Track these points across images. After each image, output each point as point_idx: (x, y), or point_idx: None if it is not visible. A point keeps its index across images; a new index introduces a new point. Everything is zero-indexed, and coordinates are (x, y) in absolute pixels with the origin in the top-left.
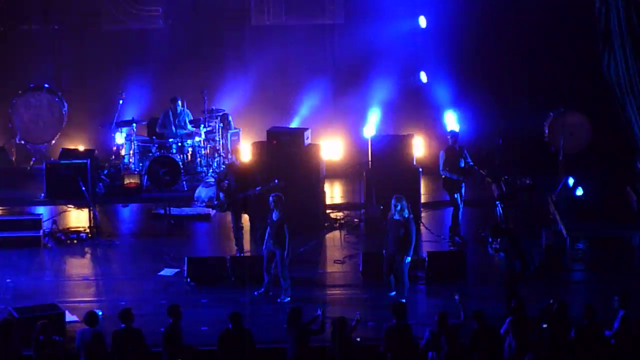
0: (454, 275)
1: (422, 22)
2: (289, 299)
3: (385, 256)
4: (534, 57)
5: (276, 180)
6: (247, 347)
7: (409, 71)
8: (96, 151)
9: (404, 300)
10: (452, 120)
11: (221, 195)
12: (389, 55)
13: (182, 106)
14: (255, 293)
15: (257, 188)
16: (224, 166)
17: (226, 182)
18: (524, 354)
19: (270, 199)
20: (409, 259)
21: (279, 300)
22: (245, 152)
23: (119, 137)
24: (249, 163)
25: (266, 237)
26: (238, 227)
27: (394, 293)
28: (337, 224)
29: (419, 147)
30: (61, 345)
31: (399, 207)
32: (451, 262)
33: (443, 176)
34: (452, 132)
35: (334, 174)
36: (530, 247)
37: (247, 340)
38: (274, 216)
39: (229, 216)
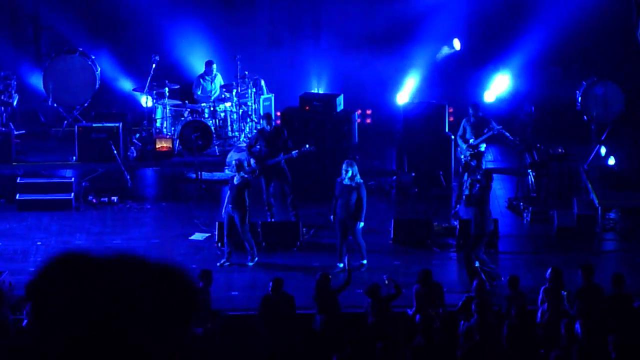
0: (485, 243)
1: None
2: (254, 262)
3: (335, 222)
4: (568, 25)
5: (307, 145)
6: (288, 313)
7: (443, 38)
8: (128, 115)
9: (365, 262)
10: (492, 88)
11: (252, 161)
12: (423, 21)
13: (217, 71)
14: (217, 264)
15: (293, 152)
16: (255, 131)
17: (257, 147)
18: (558, 323)
19: (233, 162)
20: (361, 224)
21: (249, 263)
22: (277, 117)
23: (151, 101)
24: (280, 129)
25: (225, 201)
26: (269, 193)
27: (342, 265)
28: (368, 190)
29: (452, 115)
30: None
31: (350, 173)
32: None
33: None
34: (473, 103)
35: (367, 140)
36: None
37: (288, 306)
38: (235, 180)
39: (259, 180)
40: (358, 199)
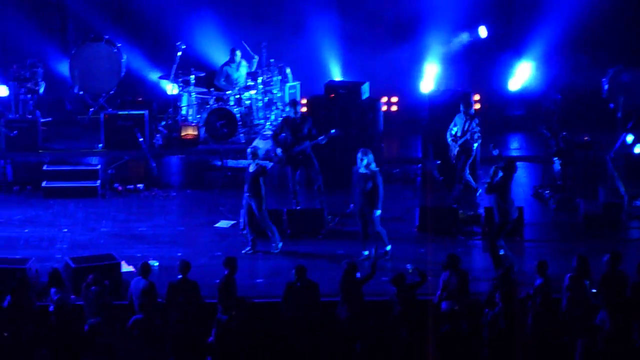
0: (510, 231)
1: None
2: (279, 248)
3: (355, 211)
4: (594, 12)
5: (333, 130)
6: (312, 301)
7: (468, 25)
8: (154, 102)
9: (388, 249)
10: (516, 76)
11: (279, 150)
12: (448, 8)
13: (241, 58)
14: (242, 252)
15: (320, 138)
16: (280, 119)
17: (282, 135)
18: (583, 311)
19: (248, 150)
20: (378, 212)
21: (273, 250)
22: (303, 105)
23: (177, 89)
24: (306, 116)
25: (245, 190)
26: (295, 181)
27: (367, 252)
28: (394, 178)
29: (479, 102)
30: (109, 291)
31: (365, 161)
32: None
33: None
34: (464, 97)
35: (392, 128)
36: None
37: (312, 294)
38: (251, 168)
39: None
40: (374, 187)
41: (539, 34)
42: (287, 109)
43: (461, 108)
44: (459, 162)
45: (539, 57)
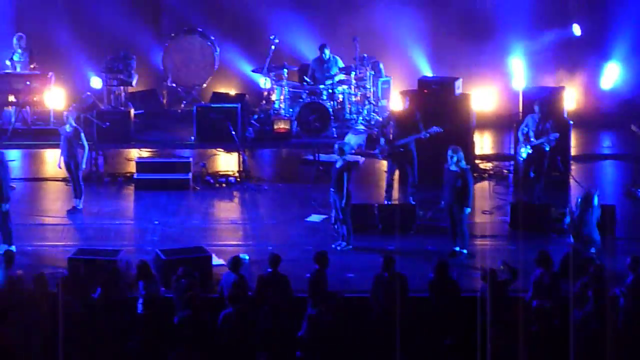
0: (603, 229)
1: None
2: (350, 247)
3: (445, 208)
4: None
5: (434, 127)
6: (400, 294)
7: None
8: (247, 96)
9: (465, 251)
10: (611, 74)
11: (382, 140)
12: (542, 5)
13: (330, 54)
14: (333, 245)
15: (422, 133)
16: (388, 113)
17: (389, 128)
18: None
19: (335, 146)
20: (468, 210)
21: (338, 247)
22: (396, 100)
23: (270, 83)
24: (413, 110)
25: (331, 185)
26: (392, 175)
27: (458, 248)
28: (486, 175)
29: (571, 100)
30: (199, 284)
31: (455, 159)
32: (601, 215)
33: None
34: (539, 100)
35: (484, 124)
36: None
37: (400, 286)
38: (338, 164)
39: (376, 163)
40: (464, 184)
41: (626, 33)
42: (387, 103)
43: (535, 109)
44: (532, 166)
45: (625, 58)
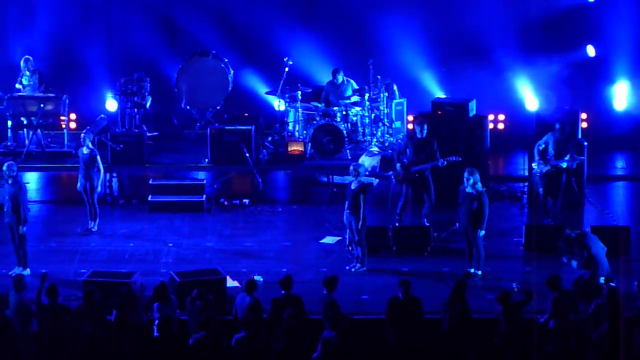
0: (616, 251)
1: None
2: (364, 268)
3: (461, 230)
4: None
5: (452, 157)
6: (415, 316)
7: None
8: (261, 118)
9: (480, 272)
10: (621, 95)
11: (398, 165)
12: (554, 28)
13: (343, 77)
14: (347, 267)
15: (439, 161)
16: (403, 136)
17: (405, 153)
18: None
19: (350, 168)
20: (482, 232)
21: (353, 269)
22: (408, 122)
23: (284, 104)
24: (431, 137)
25: (345, 207)
26: (407, 198)
27: (472, 269)
28: (500, 196)
29: (584, 121)
30: (213, 306)
31: (471, 181)
32: (615, 237)
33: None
34: (560, 120)
35: (497, 145)
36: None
37: (415, 308)
38: (353, 185)
39: (389, 185)
40: (479, 206)
41: (636, 54)
42: (414, 126)
43: (556, 127)
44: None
45: (635, 78)
